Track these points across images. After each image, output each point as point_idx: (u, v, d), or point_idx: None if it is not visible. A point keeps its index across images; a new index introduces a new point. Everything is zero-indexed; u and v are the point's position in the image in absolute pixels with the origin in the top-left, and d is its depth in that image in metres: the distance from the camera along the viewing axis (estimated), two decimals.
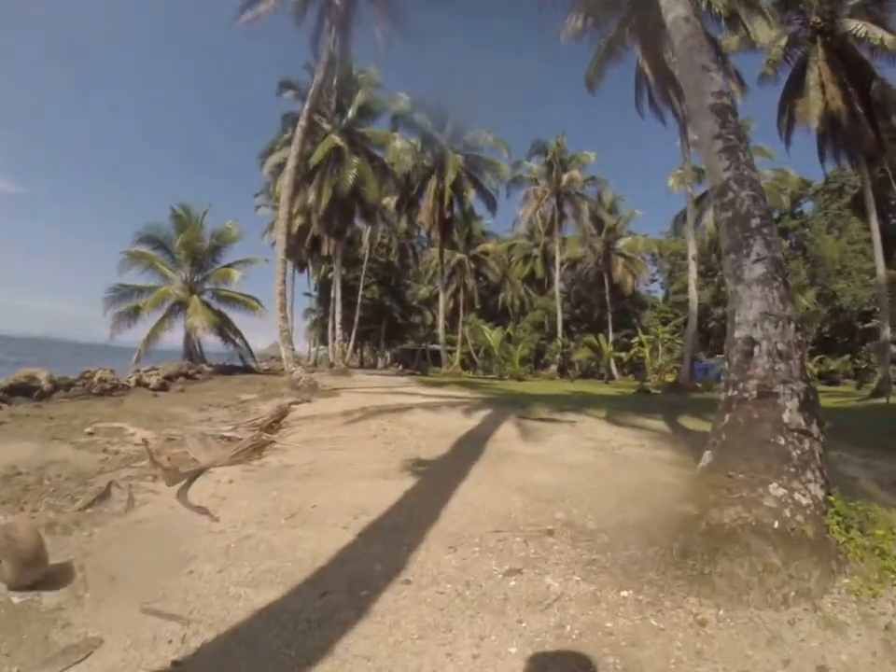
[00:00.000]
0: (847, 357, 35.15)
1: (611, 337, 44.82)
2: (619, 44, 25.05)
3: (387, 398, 16.29)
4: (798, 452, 4.26)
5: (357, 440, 9.14)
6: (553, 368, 44.45)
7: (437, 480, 6.38)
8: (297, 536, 4.59)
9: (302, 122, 21.77)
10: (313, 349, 59.46)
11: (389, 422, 10.70)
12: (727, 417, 4.73)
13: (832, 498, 4.20)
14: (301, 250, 48.98)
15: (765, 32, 23.25)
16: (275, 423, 11.07)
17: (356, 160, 33.69)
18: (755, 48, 24.21)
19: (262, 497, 5.81)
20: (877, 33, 21.46)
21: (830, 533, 3.90)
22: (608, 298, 52.16)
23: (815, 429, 4.44)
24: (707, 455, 4.70)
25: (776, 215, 50.04)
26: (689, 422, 11.66)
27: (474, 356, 50.01)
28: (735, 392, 4.80)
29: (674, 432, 10.40)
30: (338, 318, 37.21)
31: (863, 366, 35.83)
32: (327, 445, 8.66)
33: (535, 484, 6.13)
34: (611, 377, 43.47)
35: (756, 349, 4.84)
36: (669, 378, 33.08)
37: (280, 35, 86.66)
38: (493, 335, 42.57)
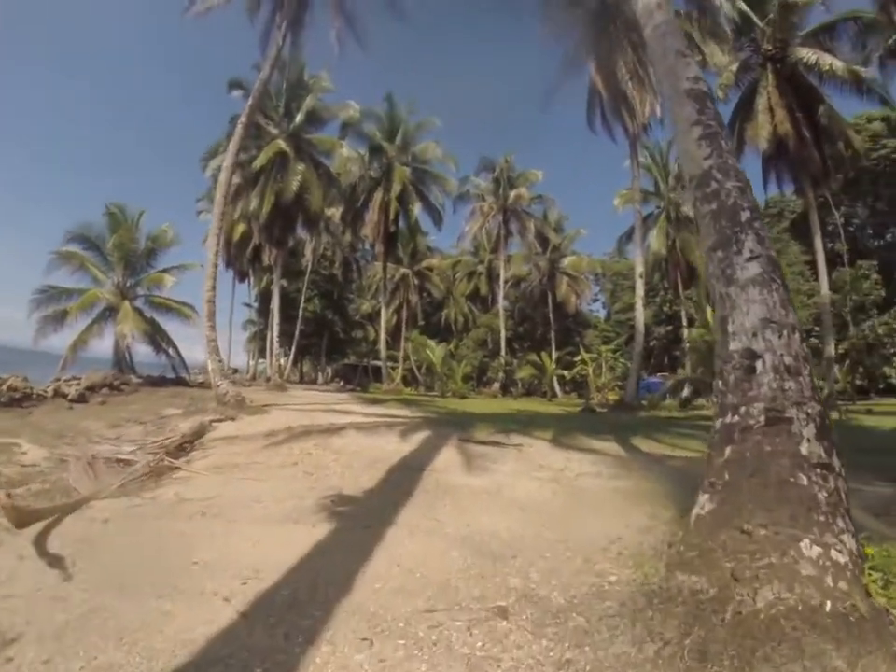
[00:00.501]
0: None
1: (554, 355, 44.09)
2: (574, 60, 24.30)
3: (320, 416, 14.95)
4: (825, 494, 3.30)
5: (275, 467, 7.91)
6: (496, 385, 43.47)
7: (358, 526, 5.13)
8: (162, 611, 3.38)
9: (243, 119, 20.37)
10: (252, 362, 57.48)
11: (315, 445, 9.39)
12: (729, 451, 3.69)
13: (868, 550, 3.24)
14: (243, 259, 47.33)
15: (720, 56, 23.10)
16: (187, 444, 9.78)
17: (301, 166, 32.41)
18: (705, 70, 23.26)
19: (136, 545, 4.62)
20: (827, 60, 22.09)
21: (872, 596, 2.87)
22: (551, 316, 51.54)
23: (836, 462, 3.52)
24: (705, 501, 3.63)
25: None
26: (642, 443, 10.82)
27: (417, 372, 48.75)
28: (737, 418, 3.79)
29: (630, 456, 9.43)
30: (276, 331, 35.43)
31: None
32: (239, 474, 7.47)
33: (481, 532, 4.94)
34: (554, 395, 42.72)
35: (759, 364, 3.87)
36: (612, 396, 32.58)
37: (235, 34, 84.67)
38: (436, 351, 41.40)
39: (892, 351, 39.08)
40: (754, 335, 3.99)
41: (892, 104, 24.41)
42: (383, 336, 42.19)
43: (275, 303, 35.46)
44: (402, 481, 7.03)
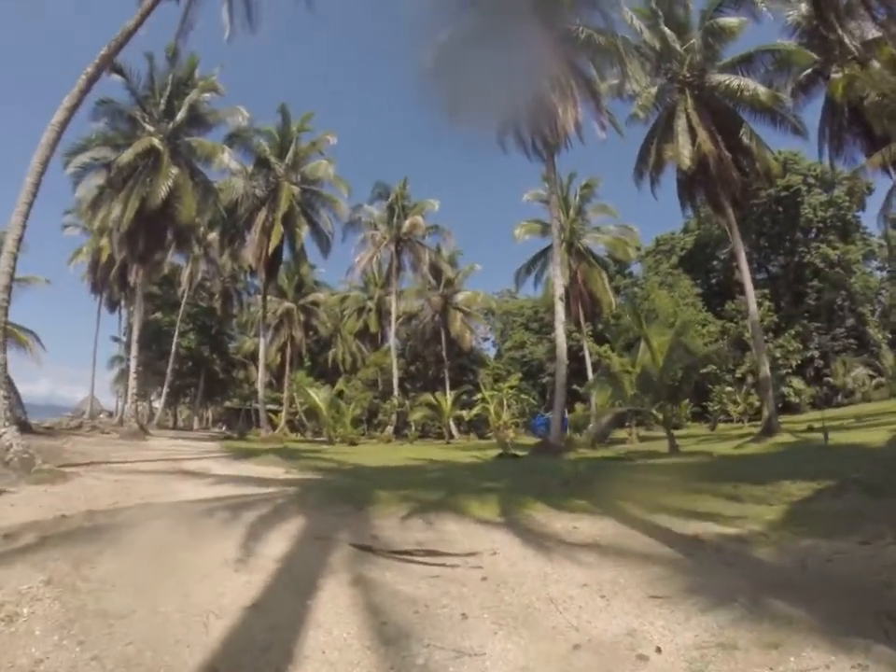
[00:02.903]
0: (687, 401, 33.85)
1: (450, 394, 40.17)
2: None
3: (151, 484, 9.99)
4: None
5: None
6: (389, 429, 38.40)
7: None
8: None
9: (90, 69, 14.61)
10: (123, 405, 49.89)
11: (48, 584, 4.04)
12: None
13: None
14: (113, 285, 40.78)
15: (640, 74, 22.77)
16: None
17: (174, 170, 27.07)
18: (622, 95, 24.17)
19: None
20: (751, 85, 22.28)
21: None
22: (444, 354, 47.96)
23: None
24: None
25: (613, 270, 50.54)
26: (649, 512, 6.60)
27: (303, 417, 43.16)
28: None
29: (685, 553, 5.05)
30: (133, 365, 28.84)
31: (716, 408, 36.86)
32: None
33: None
34: (452, 437, 38.73)
35: None
36: (511, 434, 29.52)
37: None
38: (320, 395, 36.24)
39: (786, 372, 42.17)
40: None
41: (803, 133, 24.03)
42: (261, 376, 36.79)
43: (134, 331, 29.24)
44: None
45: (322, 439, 36.01)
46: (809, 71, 25.16)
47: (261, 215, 33.69)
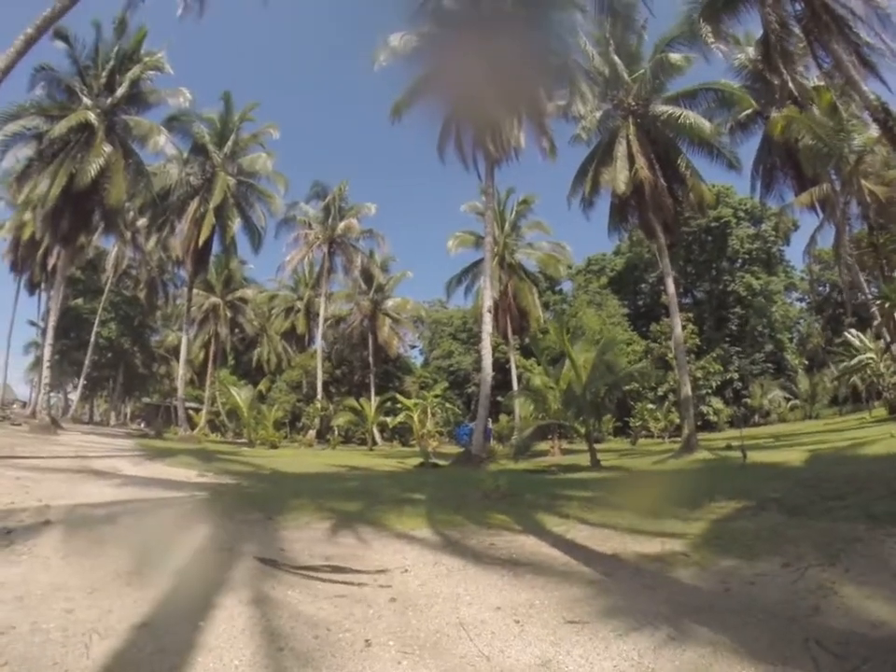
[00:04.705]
0: (610, 416, 34.64)
1: (374, 401, 39.64)
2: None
3: (50, 485, 9.02)
4: None
5: None
6: (312, 433, 37.61)
7: None
8: None
9: (30, 30, 13.24)
10: (37, 395, 46.98)
11: None
12: None
13: None
14: (34, 266, 38.26)
15: (589, 96, 23.53)
16: None
17: (107, 148, 25.51)
18: (567, 116, 24.74)
19: None
20: (691, 116, 23.01)
21: None
22: (371, 359, 47.42)
23: None
24: None
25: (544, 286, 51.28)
26: (566, 526, 6.41)
27: (225, 417, 41.66)
28: None
29: (605, 572, 4.69)
30: (47, 353, 27.06)
31: (638, 423, 37.92)
32: None
33: None
34: (375, 443, 38.16)
35: None
36: (434, 443, 30.00)
37: None
38: (242, 395, 35.04)
39: (706, 392, 43.98)
40: None
41: (738, 169, 25.10)
42: (181, 371, 35.13)
43: (52, 317, 27.43)
44: None
45: (243, 441, 34.85)
46: (749, 111, 26.72)
47: (194, 204, 32.43)
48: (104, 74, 27.23)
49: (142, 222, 36.84)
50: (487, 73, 20.77)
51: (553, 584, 4.39)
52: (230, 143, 34.26)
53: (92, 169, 24.65)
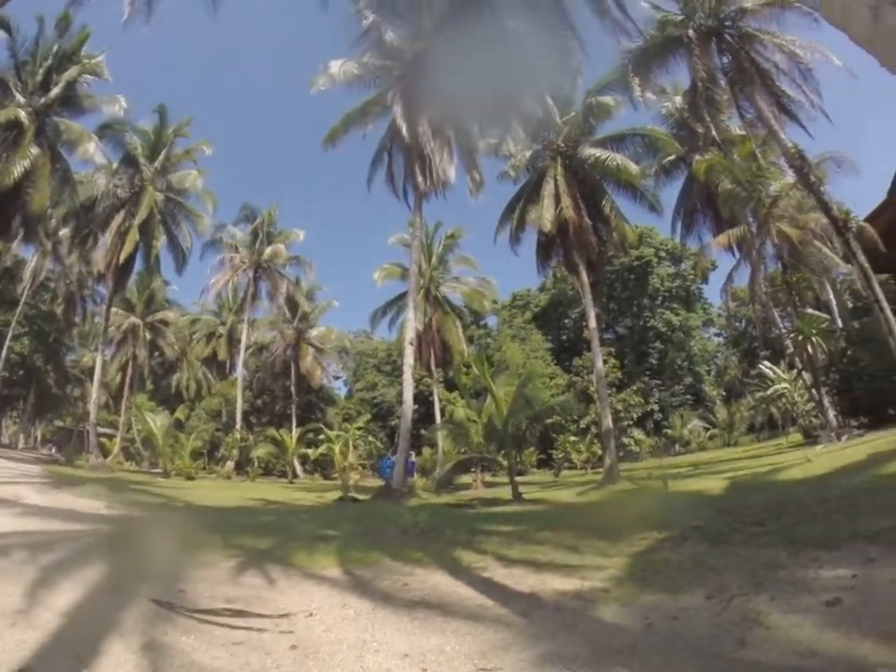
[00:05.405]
0: (532, 449, 34.68)
1: (295, 432, 38.51)
2: (376, 105, 23.08)
3: None
4: None
5: None
6: (231, 464, 35.87)
7: None
8: None
9: None
10: None
11: None
12: None
13: None
14: None
15: (519, 141, 24.72)
16: None
17: (35, 150, 24.48)
18: (498, 153, 25.88)
19: None
20: (618, 159, 23.98)
21: None
22: (293, 389, 46.20)
23: None
24: None
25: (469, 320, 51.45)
26: (488, 566, 6.01)
27: (140, 444, 39.35)
28: None
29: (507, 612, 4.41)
30: None
31: (560, 455, 37.59)
32: None
33: None
34: (296, 476, 36.90)
35: None
36: (356, 476, 29.26)
37: None
38: (158, 422, 33.34)
39: (628, 423, 45.25)
40: None
41: (659, 211, 26.68)
42: (95, 394, 33.02)
43: None
44: None
45: (158, 470, 32.99)
46: (673, 156, 28.29)
47: (119, 217, 30.98)
48: (40, 71, 26.26)
49: (64, 232, 34.96)
50: (423, 105, 20.97)
51: (466, 628, 4.09)
52: (161, 157, 33.09)
53: (16, 170, 23.67)
